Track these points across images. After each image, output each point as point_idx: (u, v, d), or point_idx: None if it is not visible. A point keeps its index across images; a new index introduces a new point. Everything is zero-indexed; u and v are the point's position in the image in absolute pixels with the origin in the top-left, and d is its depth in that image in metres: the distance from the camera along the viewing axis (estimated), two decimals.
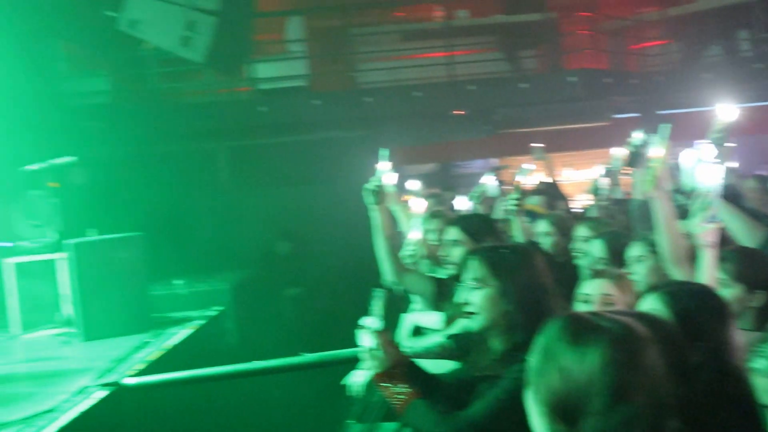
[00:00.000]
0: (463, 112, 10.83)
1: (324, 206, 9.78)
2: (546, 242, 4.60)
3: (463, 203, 6.77)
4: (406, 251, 4.44)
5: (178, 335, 6.06)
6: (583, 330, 1.51)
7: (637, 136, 4.16)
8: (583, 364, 1.46)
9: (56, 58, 9.36)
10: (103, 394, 4.41)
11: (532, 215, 5.17)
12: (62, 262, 6.28)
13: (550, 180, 7.07)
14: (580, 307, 2.97)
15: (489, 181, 6.59)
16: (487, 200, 6.29)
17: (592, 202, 6.27)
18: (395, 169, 4.27)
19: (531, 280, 2.44)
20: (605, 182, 6.33)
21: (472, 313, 2.46)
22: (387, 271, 3.88)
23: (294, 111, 10.11)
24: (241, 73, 10.27)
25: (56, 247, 6.37)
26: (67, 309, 6.25)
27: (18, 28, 7.83)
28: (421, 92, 10.17)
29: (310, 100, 10.16)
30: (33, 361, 5.70)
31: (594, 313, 1.58)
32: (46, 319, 6.41)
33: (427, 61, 10.92)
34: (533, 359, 1.55)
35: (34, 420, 3.97)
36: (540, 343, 1.56)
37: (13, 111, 7.32)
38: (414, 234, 4.47)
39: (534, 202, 5.78)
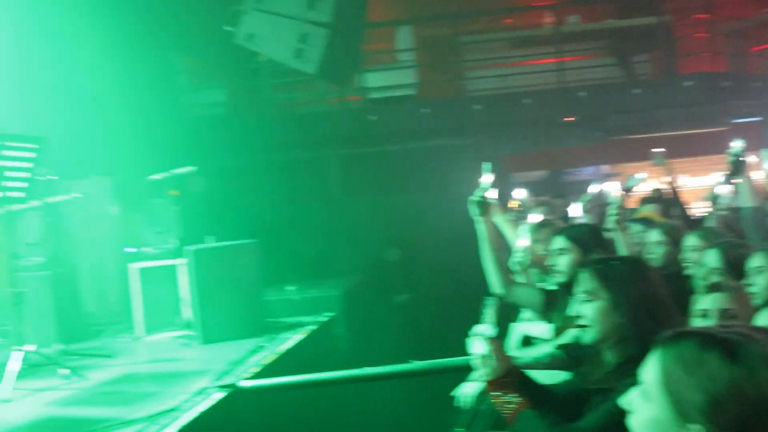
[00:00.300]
0: (573, 119, 10.67)
1: (433, 214, 9.83)
2: (657, 252, 4.49)
3: (577, 211, 6.68)
4: (514, 259, 4.42)
5: (291, 340, 6.20)
6: (738, 345, 1.47)
7: (736, 145, 4.03)
8: (753, 380, 1.43)
9: (177, 72, 9.76)
10: (220, 395, 4.56)
11: (647, 223, 5.05)
12: (182, 267, 6.55)
13: (666, 187, 6.88)
14: (698, 322, 2.88)
15: (598, 190, 6.47)
16: (596, 209, 6.18)
17: (710, 211, 6.07)
18: (504, 176, 4.27)
19: (643, 291, 2.41)
20: (725, 189, 6.12)
21: (584, 326, 2.45)
22: (494, 283, 3.88)
23: (403, 119, 10.21)
24: (351, 83, 10.45)
25: (177, 253, 6.66)
26: (187, 312, 6.51)
27: (144, 45, 8.23)
28: (531, 99, 10.08)
29: (419, 108, 10.23)
30: (155, 361, 5.95)
31: (729, 327, 1.54)
32: (168, 322, 6.69)
33: (536, 68, 10.82)
34: (663, 374, 1.52)
35: (157, 418, 4.14)
36: (675, 357, 1.51)
37: (138, 123, 7.69)
38: (522, 241, 4.45)
39: (648, 210, 5.64)
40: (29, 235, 6.32)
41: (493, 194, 4.11)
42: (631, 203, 5.67)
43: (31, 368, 5.12)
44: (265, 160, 9.99)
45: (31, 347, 5.18)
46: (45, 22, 7.60)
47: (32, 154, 5.08)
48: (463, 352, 2.63)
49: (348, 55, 9.21)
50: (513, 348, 3.85)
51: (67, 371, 5.18)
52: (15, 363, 4.86)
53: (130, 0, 8.10)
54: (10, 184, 4.94)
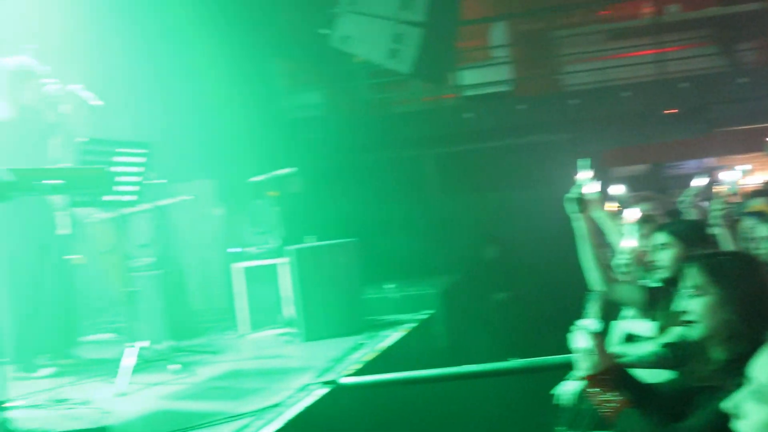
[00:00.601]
0: (675, 111, 10.38)
1: (531, 210, 9.74)
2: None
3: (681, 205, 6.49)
4: (620, 260, 4.34)
5: (390, 338, 6.27)
6: None
7: None
8: None
9: (276, 75, 10.00)
10: (323, 391, 4.66)
11: (760, 216, 4.88)
12: (284, 266, 6.72)
13: None
14: None
15: (701, 183, 6.28)
16: (701, 203, 6.00)
17: None
18: (603, 172, 4.21)
19: (754, 288, 2.36)
20: None
21: (691, 322, 2.41)
22: (594, 281, 3.84)
23: (499, 116, 10.16)
24: (446, 81, 10.47)
25: (279, 253, 6.83)
26: (289, 310, 6.67)
27: (244, 50, 8.48)
28: (630, 92, 9.87)
29: (514, 105, 10.17)
30: (259, 358, 6.12)
31: None
32: (270, 319, 6.87)
33: (635, 59, 10.58)
34: None
35: (263, 413, 4.27)
36: None
37: (239, 127, 7.93)
38: (628, 242, 4.36)
39: (759, 204, 5.44)
40: (140, 237, 6.60)
41: (593, 190, 4.06)
42: (739, 197, 5.49)
43: (144, 363, 5.35)
44: (362, 159, 10.11)
45: (145, 343, 5.42)
46: (151, 30, 7.92)
47: (142, 159, 5.30)
48: (564, 350, 2.63)
49: (442, 54, 9.25)
50: (615, 346, 3.80)
51: (177, 367, 5.39)
52: (130, 358, 5.09)
53: (231, 7, 8.34)
54: (122, 188, 5.17)
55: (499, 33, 10.80)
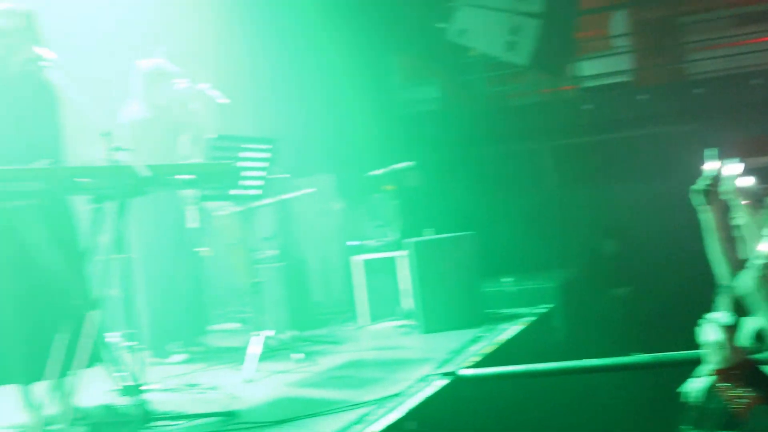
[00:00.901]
0: None
1: (653, 204, 9.48)
2: None
3: None
4: (756, 261, 4.16)
5: (509, 331, 6.26)
6: None
7: None
8: None
9: (393, 70, 10.11)
10: (442, 383, 4.71)
11: None
12: (403, 259, 6.81)
13: None
14: None
15: None
16: None
17: None
18: (731, 163, 4.06)
19: None
20: None
21: None
22: (722, 275, 3.73)
23: (619, 107, 9.92)
24: (565, 72, 10.30)
25: (397, 246, 6.93)
26: (407, 303, 6.76)
27: (363, 46, 8.62)
28: (761, 79, 9.45)
29: (635, 95, 9.91)
30: (379, 349, 6.22)
31: None
32: (389, 311, 6.97)
33: (766, 45, 10.11)
34: None
35: (384, 402, 4.36)
36: None
37: (358, 122, 8.07)
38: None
39: None
40: (264, 230, 6.83)
41: (723, 179, 3.94)
42: None
43: (269, 352, 5.55)
44: (480, 153, 10.09)
45: (269, 333, 5.62)
46: (272, 28, 8.16)
47: (267, 155, 5.49)
48: (689, 346, 2.57)
49: (561, 45, 9.11)
50: (745, 342, 3.67)
51: (300, 356, 5.56)
52: (256, 347, 5.29)
53: (350, 2, 8.49)
54: (248, 182, 5.37)
55: (619, 22, 10.55)
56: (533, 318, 6.86)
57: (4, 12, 4.26)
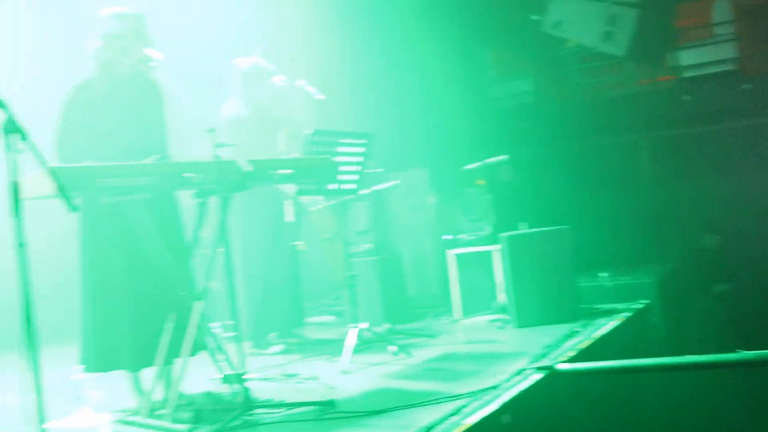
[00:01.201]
0: None
1: (755, 197, 9.17)
2: None
3: None
4: None
5: (605, 326, 6.17)
6: None
7: None
8: None
9: (486, 64, 10.08)
10: (538, 376, 4.69)
11: None
12: (497, 253, 6.79)
13: None
14: None
15: None
16: None
17: None
18: None
19: None
20: None
21: None
22: None
23: (721, 97, 9.63)
24: (663, 63, 10.05)
25: (491, 240, 6.92)
26: (502, 297, 6.74)
27: (456, 41, 8.64)
28: None
29: (739, 84, 9.59)
30: (473, 342, 6.24)
31: None
32: (483, 305, 6.97)
33: None
34: None
35: (480, 394, 4.37)
36: None
37: (452, 116, 8.09)
38: None
39: None
40: (359, 224, 6.93)
41: None
42: None
43: (364, 344, 5.64)
44: (575, 146, 9.96)
45: (364, 325, 5.71)
46: (366, 24, 8.26)
47: (362, 149, 5.58)
48: None
49: (659, 34, 8.92)
50: None
51: (395, 348, 5.63)
52: (352, 339, 5.39)
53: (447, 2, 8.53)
54: (344, 177, 5.47)
55: (722, 9, 10.22)
56: (630, 314, 6.74)
57: (116, 15, 4.47)
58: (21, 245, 2.69)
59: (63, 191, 2.75)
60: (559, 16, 8.57)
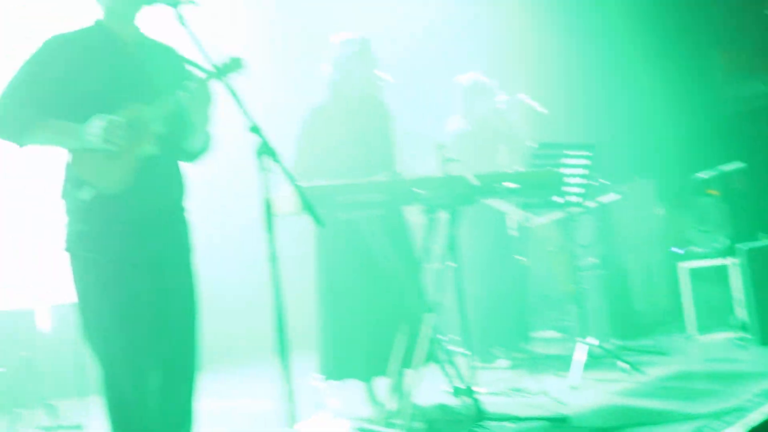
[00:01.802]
0: None
1: None
2: None
3: None
4: None
5: None
6: None
7: None
8: None
9: (715, 65, 9.56)
10: None
11: None
12: (734, 266, 6.39)
13: None
14: None
15: None
16: None
17: None
18: None
19: None
20: None
21: None
22: None
23: None
24: None
25: (728, 252, 6.52)
26: (741, 313, 6.33)
27: (682, 42, 8.28)
28: None
29: None
30: (710, 361, 5.89)
31: None
32: (721, 322, 6.57)
33: None
34: None
35: (721, 415, 4.13)
36: None
37: (680, 122, 7.74)
38: None
39: None
40: (583, 238, 6.79)
41: None
42: None
43: (592, 360, 5.50)
44: None
45: (593, 341, 5.58)
46: (585, 32, 8.11)
47: (586, 161, 5.47)
48: None
49: None
50: None
51: (626, 365, 5.45)
52: (581, 354, 5.28)
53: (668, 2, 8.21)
54: (569, 189, 5.39)
55: None
56: None
57: (343, 42, 4.74)
58: (273, 258, 2.89)
59: (310, 208, 2.93)
60: None
